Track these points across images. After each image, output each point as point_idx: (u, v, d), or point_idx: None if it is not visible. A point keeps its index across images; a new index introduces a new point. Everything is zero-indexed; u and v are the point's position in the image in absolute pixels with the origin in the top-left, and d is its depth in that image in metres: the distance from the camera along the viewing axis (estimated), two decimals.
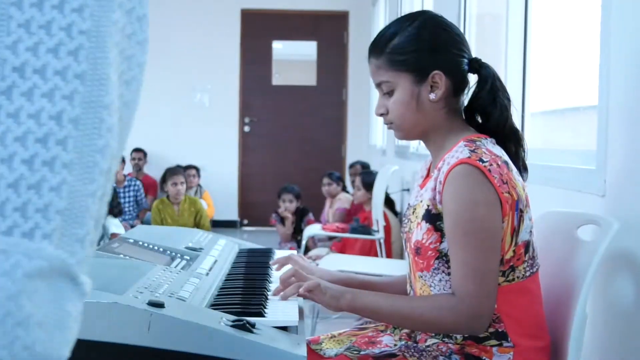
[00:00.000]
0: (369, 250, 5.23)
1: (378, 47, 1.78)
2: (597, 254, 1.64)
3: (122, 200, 8.14)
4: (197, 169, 8.53)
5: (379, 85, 1.80)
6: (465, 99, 1.81)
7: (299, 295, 1.73)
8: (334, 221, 6.24)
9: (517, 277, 1.66)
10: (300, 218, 6.79)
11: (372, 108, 8.28)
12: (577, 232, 1.82)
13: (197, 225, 6.36)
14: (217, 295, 1.70)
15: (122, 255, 1.80)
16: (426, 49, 1.74)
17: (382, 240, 4.91)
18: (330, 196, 6.89)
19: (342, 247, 5.57)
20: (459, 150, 1.66)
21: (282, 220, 6.76)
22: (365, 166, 7.12)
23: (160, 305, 1.32)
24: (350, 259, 4.71)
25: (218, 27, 9.35)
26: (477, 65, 1.77)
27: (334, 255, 4.83)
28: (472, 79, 1.79)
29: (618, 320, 1.88)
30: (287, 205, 6.76)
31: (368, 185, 5.71)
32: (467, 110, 1.82)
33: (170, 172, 6.53)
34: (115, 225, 5.56)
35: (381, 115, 1.83)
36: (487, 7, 4.14)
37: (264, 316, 1.54)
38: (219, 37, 9.36)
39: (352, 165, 7.40)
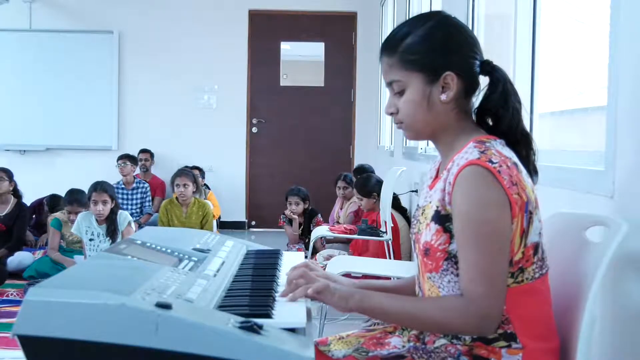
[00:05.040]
0: (376, 251, 5.22)
1: (390, 46, 1.78)
2: (606, 256, 1.63)
3: (128, 202, 8.18)
4: (200, 169, 8.55)
5: (390, 84, 1.80)
6: (476, 101, 1.81)
7: (307, 297, 1.73)
8: (345, 223, 6.23)
9: (526, 279, 1.66)
10: (309, 219, 6.79)
11: (380, 109, 8.30)
12: (585, 233, 1.82)
13: (202, 228, 6.36)
14: (225, 296, 1.70)
15: (129, 257, 1.80)
16: (439, 50, 1.73)
17: (390, 242, 4.91)
18: (346, 199, 6.88)
19: (357, 247, 5.59)
20: (468, 152, 1.65)
21: (290, 221, 6.76)
22: (363, 169, 7.02)
23: (167, 306, 1.31)
24: (358, 260, 4.71)
25: (226, 28, 9.36)
26: (489, 68, 1.77)
27: (343, 257, 4.82)
28: (484, 81, 1.79)
29: (627, 322, 1.87)
30: (294, 208, 6.76)
31: (366, 192, 5.71)
32: (478, 113, 1.81)
33: (176, 174, 6.59)
34: (127, 220, 5.56)
35: (391, 114, 1.82)
36: (495, 8, 4.13)
37: (271, 318, 1.54)
38: (226, 38, 9.37)
39: (356, 169, 7.33)
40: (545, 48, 3.11)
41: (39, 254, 6.40)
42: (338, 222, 6.55)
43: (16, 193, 6.65)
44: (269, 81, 9.52)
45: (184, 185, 6.43)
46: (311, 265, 1.96)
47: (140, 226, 7.52)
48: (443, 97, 1.73)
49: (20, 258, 6.18)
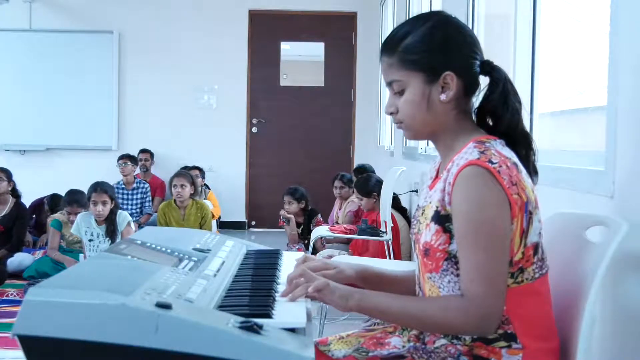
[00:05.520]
0: (376, 251, 5.22)
1: (390, 45, 1.78)
2: (606, 256, 1.63)
3: (128, 202, 8.18)
4: (200, 169, 8.55)
5: (390, 84, 1.80)
6: (476, 101, 1.81)
7: (307, 296, 1.73)
8: (344, 223, 6.23)
9: (526, 279, 1.66)
10: (308, 220, 6.78)
11: (380, 109, 8.30)
12: (585, 233, 1.82)
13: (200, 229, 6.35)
14: (225, 296, 1.70)
15: (129, 257, 1.80)
16: (438, 50, 1.73)
17: (390, 242, 4.91)
18: (343, 199, 6.88)
19: (357, 247, 5.59)
20: (468, 152, 1.65)
21: (289, 221, 6.76)
22: (363, 169, 7.02)
23: (167, 306, 1.31)
24: (358, 260, 4.71)
25: (226, 28, 9.36)
26: (489, 68, 1.77)
27: (343, 257, 4.82)
28: (484, 81, 1.79)
29: (627, 322, 1.87)
30: (287, 207, 6.76)
31: (366, 192, 5.71)
32: (478, 113, 1.81)
33: (174, 175, 6.60)
34: (126, 220, 5.56)
35: (391, 114, 1.82)
36: (495, 8, 4.13)
37: (271, 318, 1.54)
38: (226, 38, 9.37)
39: (356, 168, 7.32)
40: (545, 48, 3.11)
41: (38, 254, 6.40)
42: (337, 223, 6.55)
43: (15, 193, 6.63)
44: (269, 81, 9.52)
45: (181, 185, 6.43)
46: (309, 257, 1.96)
47: (140, 226, 7.53)
48: (442, 97, 1.73)
49: (19, 259, 6.18)
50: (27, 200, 7.37)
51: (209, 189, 8.64)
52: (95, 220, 5.46)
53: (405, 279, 1.98)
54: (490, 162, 1.60)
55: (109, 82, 9.30)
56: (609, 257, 1.63)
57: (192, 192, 6.54)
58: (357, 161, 9.01)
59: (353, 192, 6.34)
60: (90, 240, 5.49)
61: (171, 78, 9.29)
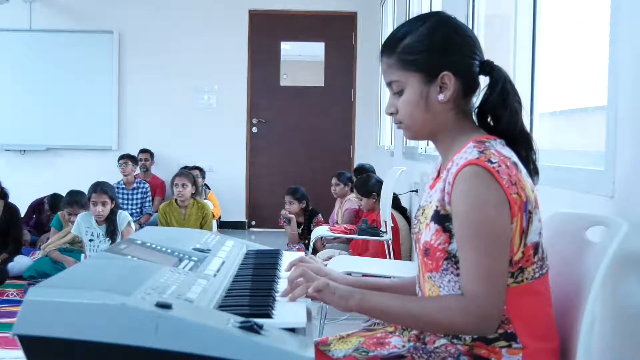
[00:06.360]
0: (376, 251, 5.23)
1: (390, 46, 1.78)
2: (606, 256, 1.63)
3: (128, 202, 8.18)
4: (200, 169, 8.55)
5: (389, 85, 1.80)
6: (477, 101, 1.81)
7: (307, 296, 1.73)
8: (342, 222, 6.23)
9: (526, 279, 1.66)
10: (309, 220, 6.78)
11: (380, 109, 8.30)
12: (585, 233, 1.82)
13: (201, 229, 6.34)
14: (225, 296, 1.70)
15: (129, 257, 1.80)
16: (436, 50, 1.73)
17: (390, 242, 4.91)
18: (339, 197, 6.88)
19: (357, 247, 5.59)
20: (467, 151, 1.65)
21: (290, 221, 6.76)
22: (363, 169, 7.02)
23: (168, 306, 1.31)
24: (358, 260, 4.71)
25: (226, 28, 9.36)
26: (489, 68, 1.77)
27: (343, 257, 4.82)
28: (484, 81, 1.79)
29: (627, 321, 1.87)
30: (287, 207, 6.76)
31: (366, 192, 5.71)
32: (478, 113, 1.81)
33: (175, 174, 6.60)
34: (126, 220, 5.56)
35: (391, 114, 1.82)
36: (495, 8, 4.13)
37: (271, 317, 1.54)
38: (226, 38, 9.37)
39: (356, 168, 7.34)
40: (545, 48, 3.11)
41: (38, 254, 6.39)
42: (337, 223, 6.55)
43: (2, 192, 6.48)
44: (269, 81, 9.52)
45: (183, 185, 6.42)
46: (306, 259, 1.96)
47: (140, 226, 7.52)
48: (440, 97, 1.73)
49: (19, 266, 6.14)
50: (27, 200, 7.37)
51: (209, 189, 8.64)
52: (96, 221, 5.46)
53: (403, 286, 1.98)
54: (490, 161, 1.60)
55: (109, 82, 9.30)
56: (609, 257, 1.63)
57: (193, 191, 6.52)
58: (357, 161, 9.01)
59: (352, 191, 6.34)
60: (90, 240, 5.49)
61: (171, 78, 9.28)
